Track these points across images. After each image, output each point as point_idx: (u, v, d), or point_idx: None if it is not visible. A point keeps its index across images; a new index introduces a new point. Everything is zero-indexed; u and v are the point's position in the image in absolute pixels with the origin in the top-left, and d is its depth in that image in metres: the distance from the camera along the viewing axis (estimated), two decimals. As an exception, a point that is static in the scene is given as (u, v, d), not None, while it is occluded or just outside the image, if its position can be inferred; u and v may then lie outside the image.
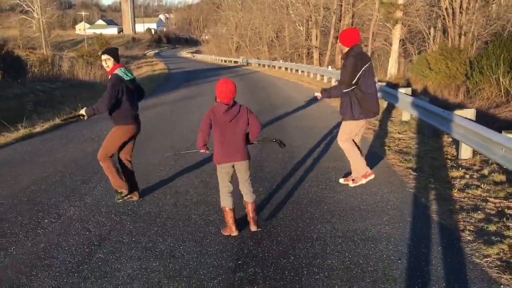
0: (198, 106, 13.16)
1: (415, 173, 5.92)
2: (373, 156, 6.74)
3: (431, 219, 4.41)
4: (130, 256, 3.83)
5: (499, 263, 3.50)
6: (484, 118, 10.00)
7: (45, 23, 53.93)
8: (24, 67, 20.19)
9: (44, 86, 18.63)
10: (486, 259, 3.55)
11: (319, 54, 32.06)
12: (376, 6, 24.39)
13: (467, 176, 5.72)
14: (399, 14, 20.40)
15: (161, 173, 6.21)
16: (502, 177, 5.57)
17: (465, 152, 6.48)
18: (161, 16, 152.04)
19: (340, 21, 30.46)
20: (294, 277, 3.39)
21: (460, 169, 6.03)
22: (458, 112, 6.42)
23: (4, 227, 4.53)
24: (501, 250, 3.69)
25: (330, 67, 22.43)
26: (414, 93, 11.95)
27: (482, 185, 5.31)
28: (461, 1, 17.31)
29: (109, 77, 4.93)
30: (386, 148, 7.39)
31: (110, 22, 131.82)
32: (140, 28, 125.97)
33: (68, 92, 18.36)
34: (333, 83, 17.79)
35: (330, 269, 3.49)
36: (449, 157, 6.73)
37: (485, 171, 5.86)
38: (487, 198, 4.94)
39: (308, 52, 34.84)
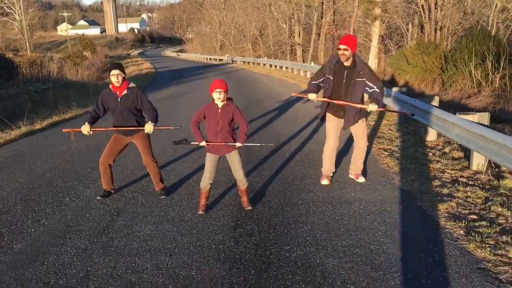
0: (188, 103, 13.87)
1: (386, 153, 6.79)
2: (350, 140, 7.58)
3: (396, 186, 5.28)
4: (147, 222, 4.60)
5: (446, 215, 4.36)
6: (457, 108, 10.92)
7: (27, 24, 53.73)
8: (15, 68, 20.67)
9: (36, 87, 19.18)
10: (436, 212, 4.41)
11: (302, 50, 32.92)
12: (356, 3, 25.28)
13: (430, 154, 6.61)
14: (377, 11, 21.30)
15: (162, 160, 6.96)
16: (460, 154, 6.47)
17: (431, 135, 7.37)
18: (144, 16, 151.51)
19: (322, 18, 31.30)
20: (284, 231, 4.20)
21: (425, 148, 6.92)
22: (423, 99, 7.29)
23: (31, 205, 5.24)
24: (450, 206, 4.55)
25: (312, 63, 23.35)
26: (393, 85, 12.84)
27: (442, 160, 6.20)
28: None
29: (137, 90, 5.24)
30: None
31: (92, 23, 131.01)
32: (123, 28, 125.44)
33: (60, 92, 18.89)
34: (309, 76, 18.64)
35: (313, 223, 4.32)
36: (417, 139, 7.61)
37: (446, 150, 6.76)
38: (445, 170, 5.82)
39: (291, 49, 35.65)
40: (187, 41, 77.27)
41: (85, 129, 5.12)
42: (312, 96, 5.41)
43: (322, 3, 30.55)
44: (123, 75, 5.15)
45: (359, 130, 5.46)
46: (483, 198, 4.78)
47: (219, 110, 4.51)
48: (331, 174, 5.69)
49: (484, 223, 4.14)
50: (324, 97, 5.41)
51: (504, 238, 3.79)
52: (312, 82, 5.52)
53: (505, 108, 11.17)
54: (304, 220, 4.41)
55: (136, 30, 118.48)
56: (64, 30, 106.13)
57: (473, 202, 4.68)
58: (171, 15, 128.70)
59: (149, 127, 5.15)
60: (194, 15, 77.44)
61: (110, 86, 5.23)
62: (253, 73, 27.19)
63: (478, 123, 5.59)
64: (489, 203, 4.62)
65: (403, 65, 17.30)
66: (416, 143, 7.33)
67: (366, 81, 5.17)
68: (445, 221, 4.22)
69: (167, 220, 4.61)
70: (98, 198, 5.38)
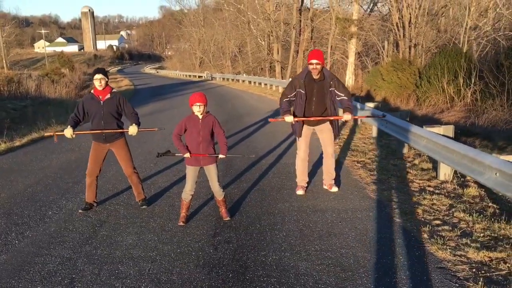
0: (168, 120, 14.04)
1: (359, 165, 7.10)
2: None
3: (367, 196, 5.58)
4: (129, 232, 4.76)
5: (412, 221, 4.67)
6: (430, 122, 11.35)
7: (4, 41, 53.19)
8: (-10, 86, 20.54)
9: (15, 104, 19.08)
10: (404, 218, 4.71)
11: (281, 67, 33.47)
12: (333, 21, 25.97)
13: (401, 165, 6.94)
14: (353, 28, 21.95)
15: (144, 173, 7.13)
16: (429, 165, 6.82)
17: (401, 147, 7.72)
18: (123, 33, 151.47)
19: (300, 35, 31.96)
20: (260, 237, 4.43)
21: (396, 160, 7.26)
22: (393, 114, 7.66)
23: (14, 219, 5.34)
24: (416, 213, 4.86)
25: (290, 79, 23.83)
26: (369, 101, 13.26)
27: (411, 171, 6.55)
28: (410, 16, 18.81)
29: (120, 95, 5.39)
30: (337, 146, 8.58)
31: (70, 40, 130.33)
32: (102, 45, 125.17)
33: (39, 109, 18.83)
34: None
35: (288, 230, 4.56)
36: (389, 152, 7.97)
37: (416, 161, 7.12)
38: (414, 180, 6.15)
39: (270, 66, 36.19)
40: (166, 58, 77.57)
41: (68, 132, 5.17)
42: (289, 119, 5.55)
43: (300, 20, 31.20)
44: (106, 80, 5.25)
45: (327, 138, 5.73)
46: (447, 205, 5.10)
47: (200, 121, 4.69)
48: (306, 184, 5.91)
49: (446, 227, 4.44)
50: (295, 111, 5.65)
51: (464, 240, 4.09)
52: (284, 100, 5.67)
53: (475, 122, 11.65)
54: (280, 228, 4.64)
55: (114, 47, 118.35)
56: (41, 47, 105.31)
57: (438, 209, 4.99)
58: (150, 32, 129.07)
59: (133, 129, 5.27)
60: (173, 32, 77.79)
61: (92, 91, 5.33)
62: (232, 89, 27.53)
63: (442, 135, 5.95)
64: (453, 209, 4.94)
65: (379, 82, 17.80)
66: (388, 156, 7.68)
67: (335, 90, 5.47)
68: (411, 226, 4.52)
69: (149, 230, 4.79)
70: (80, 211, 5.45)
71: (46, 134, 5.82)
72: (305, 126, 5.71)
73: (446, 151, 5.55)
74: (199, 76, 44.85)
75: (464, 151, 5.05)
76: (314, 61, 5.36)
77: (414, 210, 4.97)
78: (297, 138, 5.85)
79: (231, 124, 12.12)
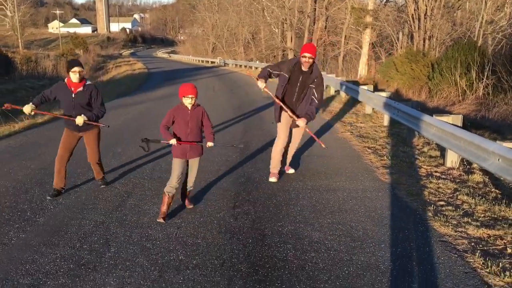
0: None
1: (370, 151, 7.43)
2: (339, 140, 8.22)
3: (377, 178, 5.92)
4: (154, 202, 5.16)
5: (418, 201, 5.01)
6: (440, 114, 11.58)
7: (19, 21, 53.58)
8: (11, 65, 21.06)
9: (33, 83, 19.64)
10: (410, 199, 5.06)
11: (294, 55, 33.61)
12: (348, 11, 26.00)
13: (410, 152, 7.26)
14: (369, 19, 22.00)
15: (155, 175, 7.49)
16: (437, 153, 7.13)
17: (412, 136, 8.02)
18: (136, 16, 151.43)
19: (314, 24, 32.01)
20: (276, 211, 4.80)
21: (406, 147, 7.58)
22: (404, 103, 7.95)
23: (47, 188, 5.73)
24: (422, 194, 5.20)
25: (304, 67, 24.02)
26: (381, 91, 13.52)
27: (420, 158, 6.86)
28: (426, 8, 18.87)
29: (93, 87, 5.38)
30: (350, 133, 8.90)
31: (84, 21, 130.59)
32: (115, 27, 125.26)
33: (56, 88, 19.32)
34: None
35: (302, 206, 4.93)
36: (399, 140, 8.27)
37: (425, 149, 7.42)
38: (422, 166, 6.47)
39: (283, 54, 36.34)
40: (179, 42, 77.51)
41: (28, 108, 5.13)
42: (261, 84, 5.74)
43: (315, 9, 31.22)
44: (84, 72, 5.28)
45: (298, 131, 5.94)
46: (452, 189, 5.43)
47: (189, 111, 4.59)
48: (277, 172, 5.95)
49: (450, 207, 4.78)
50: (276, 94, 5.78)
51: (465, 219, 4.43)
52: (266, 68, 5.84)
53: (486, 116, 11.86)
54: (294, 203, 5.02)
55: (128, 30, 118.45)
56: (55, 27, 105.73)
57: (443, 192, 5.32)
58: (163, 16, 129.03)
59: (79, 119, 5.17)
60: (187, 17, 77.76)
61: (66, 80, 5.29)
62: (245, 76, 27.78)
63: (451, 124, 6.25)
64: (457, 193, 5.26)
65: (392, 73, 17.92)
66: (398, 143, 7.99)
67: (313, 89, 5.60)
68: (417, 205, 4.86)
69: (173, 201, 5.17)
70: (48, 198, 5.35)
71: (4, 105, 5.34)
72: (285, 115, 5.79)
73: (454, 138, 5.85)
74: (212, 62, 45.03)
75: (470, 139, 5.35)
76: (307, 54, 5.48)
77: (421, 192, 5.30)
78: (277, 124, 5.93)
79: (244, 109, 12.47)
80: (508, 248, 3.80)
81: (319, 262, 3.66)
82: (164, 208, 4.64)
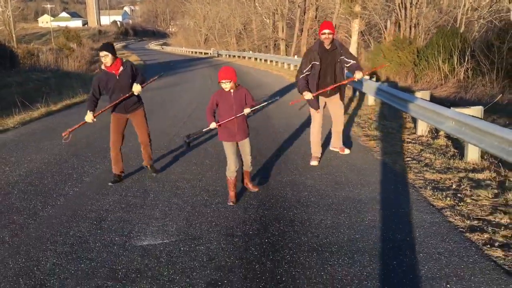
0: (185, 91, 15.52)
1: (355, 124, 8.62)
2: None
3: (358, 144, 7.13)
4: (177, 164, 6.31)
5: (382, 153, 6.22)
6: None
7: (10, 16, 53.76)
8: (16, 58, 21.97)
9: (38, 75, 20.54)
10: (384, 157, 6.27)
11: (286, 45, 34.64)
12: (337, 1, 27.00)
13: (389, 125, 8.46)
14: (358, 8, 23.01)
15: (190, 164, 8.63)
16: (411, 124, 8.32)
17: (392, 112, 9.22)
18: (126, 8, 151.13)
19: (304, 14, 32.98)
20: (277, 166, 5.97)
21: (385, 121, 8.77)
22: (385, 83, 9.13)
23: (82, 159, 6.87)
24: (394, 151, 6.41)
25: (296, 56, 25.17)
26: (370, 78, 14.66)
27: (396, 128, 8.06)
28: None
29: (130, 63, 5.57)
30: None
31: (74, 15, 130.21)
32: (105, 20, 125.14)
33: (61, 81, 20.29)
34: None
35: (297, 164, 6.11)
36: (381, 116, 9.46)
37: (401, 121, 8.62)
38: (396, 134, 7.68)
39: (275, 44, 37.32)
40: (170, 34, 77.97)
41: (89, 117, 5.35)
42: (308, 96, 5.86)
43: (305, -1, 32.21)
44: (111, 55, 5.25)
45: (338, 110, 6.27)
46: (419, 149, 6.64)
47: (232, 94, 4.64)
48: (320, 155, 6.27)
49: (414, 161, 6.01)
50: (309, 83, 5.92)
51: (425, 168, 5.65)
52: (301, 77, 5.93)
53: (464, 97, 13.05)
54: (291, 162, 6.20)
55: (119, 23, 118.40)
56: (45, 22, 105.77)
57: (411, 151, 6.55)
58: (154, 8, 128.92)
59: (136, 88, 5.36)
60: (178, 9, 78.14)
61: (103, 67, 5.38)
62: (239, 65, 28.84)
63: (420, 98, 7.44)
64: (422, 152, 6.48)
65: (380, 60, 18.89)
66: (380, 118, 9.18)
67: (344, 58, 5.91)
68: (388, 161, 6.09)
69: (193, 163, 6.34)
70: (110, 184, 5.56)
71: (63, 134, 5.64)
72: (320, 97, 6.09)
73: (421, 109, 7.05)
74: (205, 53, 45.93)
75: (432, 107, 6.55)
76: (326, 30, 5.71)
77: (393, 152, 6.51)
78: (315, 111, 6.13)
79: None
80: (453, 185, 5.01)
81: (311, 197, 4.86)
82: (231, 192, 4.80)
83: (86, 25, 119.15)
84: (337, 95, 6.20)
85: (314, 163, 6.12)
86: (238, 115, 4.65)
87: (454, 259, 3.41)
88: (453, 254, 3.49)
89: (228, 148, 4.78)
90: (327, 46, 5.84)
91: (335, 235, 3.90)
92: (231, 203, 4.73)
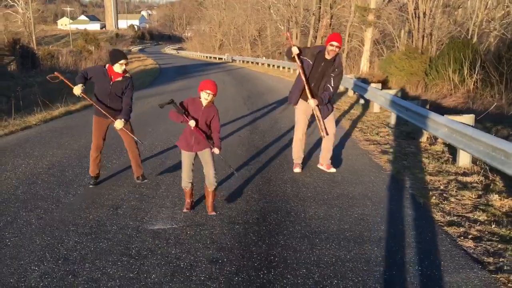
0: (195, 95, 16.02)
1: (357, 129, 9.03)
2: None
3: (357, 147, 7.52)
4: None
5: (378, 153, 6.62)
6: (432, 106, 12.98)
7: (31, 18, 55.02)
8: (36, 59, 22.82)
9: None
10: (382, 160, 6.67)
11: (299, 52, 34.97)
12: (352, 9, 27.37)
13: (389, 131, 8.84)
14: (371, 17, 23.34)
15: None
16: (409, 129, 8.70)
17: (391, 118, 9.62)
18: (144, 13, 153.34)
19: (319, 21, 33.41)
20: (279, 164, 6.41)
21: (386, 128, 9.16)
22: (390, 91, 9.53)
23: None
24: (378, 148, 6.81)
25: (307, 63, 25.55)
26: (382, 87, 15.01)
27: (394, 133, 8.45)
28: (424, 8, 20.05)
29: (130, 80, 5.55)
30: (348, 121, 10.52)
31: (92, 18, 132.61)
32: (123, 24, 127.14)
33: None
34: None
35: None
36: (381, 122, 9.85)
37: (402, 128, 9.01)
38: (395, 139, 8.07)
39: (288, 50, 37.59)
40: (186, 39, 78.94)
41: (77, 90, 5.25)
42: (294, 49, 5.82)
43: (320, 7, 32.58)
44: (127, 64, 5.42)
45: (329, 123, 6.06)
46: (415, 154, 7.03)
47: (202, 107, 4.49)
48: (301, 161, 6.25)
49: (409, 165, 6.41)
50: (296, 80, 5.92)
51: (418, 171, 6.04)
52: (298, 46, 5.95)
53: (471, 107, 13.32)
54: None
55: (136, 27, 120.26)
56: (64, 24, 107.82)
57: (408, 155, 6.93)
58: (170, 13, 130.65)
59: (119, 124, 5.40)
60: (194, 14, 79.26)
61: (107, 66, 5.42)
62: (252, 71, 29.41)
63: (420, 106, 7.84)
64: (418, 156, 6.89)
65: (391, 69, 19.12)
66: (380, 124, 9.57)
67: (332, 78, 5.82)
68: (384, 164, 6.49)
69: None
70: (91, 186, 5.69)
71: (48, 77, 5.63)
72: (303, 102, 5.98)
73: (419, 116, 7.45)
74: (219, 58, 46.56)
75: (429, 115, 6.95)
76: (335, 43, 5.64)
77: (391, 155, 6.92)
78: (300, 116, 6.09)
79: (253, 99, 14.10)
80: (441, 186, 5.41)
81: (308, 193, 5.31)
82: (187, 199, 4.84)
83: (104, 28, 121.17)
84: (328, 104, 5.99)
85: (297, 170, 6.14)
86: (208, 139, 4.52)
87: (430, 247, 3.83)
88: (429, 243, 3.91)
89: (185, 158, 4.66)
90: (328, 56, 5.81)
91: (326, 225, 4.34)
92: (185, 210, 4.76)
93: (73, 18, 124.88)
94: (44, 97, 15.46)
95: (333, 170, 6.12)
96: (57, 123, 10.70)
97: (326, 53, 5.80)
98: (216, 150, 4.52)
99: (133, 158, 5.84)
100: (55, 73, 5.70)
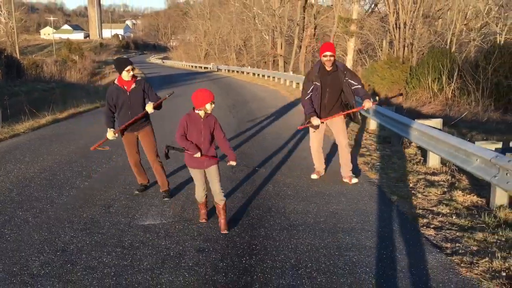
0: (184, 103, 16.37)
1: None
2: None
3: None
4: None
5: (361, 158, 7.07)
6: (411, 113, 13.45)
7: (14, 27, 54.73)
8: (21, 69, 22.93)
9: (43, 86, 21.49)
10: (359, 162, 7.12)
11: (284, 62, 35.63)
12: (335, 20, 27.98)
13: (366, 136, 9.31)
14: (354, 27, 23.95)
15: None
16: (386, 134, 9.18)
17: (368, 124, 10.10)
18: (128, 22, 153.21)
19: (303, 31, 34.01)
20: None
21: (363, 133, 9.64)
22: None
23: (90, 159, 7.68)
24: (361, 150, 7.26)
25: (291, 72, 26.14)
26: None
27: (371, 137, 8.92)
28: (405, 19, 20.61)
29: (144, 80, 5.60)
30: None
31: (76, 27, 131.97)
32: (107, 33, 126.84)
33: (65, 91, 21.18)
34: (288, 84, 21.71)
35: (278, 167, 6.95)
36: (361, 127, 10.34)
37: (377, 132, 9.49)
38: (372, 144, 8.53)
39: (274, 60, 38.30)
40: (171, 49, 79.12)
41: (110, 134, 5.41)
42: (316, 121, 5.76)
43: (304, 17, 33.20)
44: (134, 69, 5.35)
45: (339, 128, 6.05)
46: (389, 157, 7.49)
47: (202, 120, 4.42)
48: (323, 171, 6.39)
49: (383, 166, 6.86)
50: (314, 103, 5.83)
51: (390, 171, 6.49)
52: (306, 99, 5.83)
53: (448, 114, 13.87)
54: (276, 166, 7.04)
55: (120, 36, 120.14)
56: (47, 34, 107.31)
57: (383, 159, 7.39)
58: (155, 23, 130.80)
59: (149, 107, 5.38)
60: (179, 24, 79.55)
61: (116, 81, 5.38)
62: (238, 80, 29.88)
63: (395, 112, 8.32)
64: (392, 159, 7.34)
65: (374, 78, 19.64)
66: (361, 129, 10.06)
67: (349, 80, 5.79)
68: (360, 165, 6.91)
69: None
70: (136, 192, 5.76)
71: (92, 148, 5.82)
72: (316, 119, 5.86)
73: (394, 121, 7.93)
74: (205, 67, 46.89)
75: (403, 120, 7.43)
76: (328, 53, 5.62)
77: (367, 157, 7.36)
78: (314, 130, 6.08)
79: (238, 108, 14.51)
80: (410, 184, 5.87)
81: (288, 191, 5.72)
82: (202, 211, 4.78)
83: (87, 38, 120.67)
84: (339, 118, 6.01)
85: (314, 176, 6.27)
86: (217, 158, 4.51)
87: (395, 236, 4.26)
88: (395, 232, 4.35)
89: (196, 174, 4.59)
90: (328, 68, 5.76)
91: (304, 219, 4.74)
92: (203, 220, 4.73)
93: (57, 27, 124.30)
94: (30, 105, 15.68)
95: (355, 180, 6.02)
96: (46, 130, 10.96)
97: (324, 66, 5.80)
98: (232, 163, 4.49)
99: (156, 173, 5.65)
100: (93, 147, 5.84)
